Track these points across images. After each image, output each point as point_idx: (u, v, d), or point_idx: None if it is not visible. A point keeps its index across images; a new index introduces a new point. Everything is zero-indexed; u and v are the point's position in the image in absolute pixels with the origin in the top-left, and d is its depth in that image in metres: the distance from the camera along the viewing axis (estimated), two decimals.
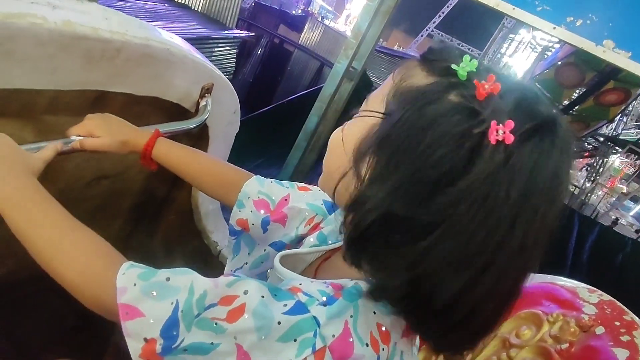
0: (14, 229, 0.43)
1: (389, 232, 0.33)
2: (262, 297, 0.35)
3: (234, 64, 4.68)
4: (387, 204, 0.33)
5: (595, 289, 0.57)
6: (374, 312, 0.37)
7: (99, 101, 0.69)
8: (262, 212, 0.57)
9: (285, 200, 0.58)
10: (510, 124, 0.31)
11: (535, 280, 0.66)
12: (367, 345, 0.35)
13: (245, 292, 0.35)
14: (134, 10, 3.70)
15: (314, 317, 0.35)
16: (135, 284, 0.36)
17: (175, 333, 0.34)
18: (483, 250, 0.31)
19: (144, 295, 0.36)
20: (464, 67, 0.35)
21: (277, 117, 3.26)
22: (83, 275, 0.40)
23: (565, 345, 0.49)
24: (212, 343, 0.34)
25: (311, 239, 0.53)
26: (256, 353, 0.34)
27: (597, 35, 1.18)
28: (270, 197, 0.58)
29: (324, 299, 0.36)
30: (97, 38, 0.51)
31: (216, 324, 0.34)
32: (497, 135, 0.31)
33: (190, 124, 0.75)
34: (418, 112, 0.34)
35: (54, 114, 0.68)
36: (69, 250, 0.42)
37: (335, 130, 0.42)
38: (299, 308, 0.35)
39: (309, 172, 1.88)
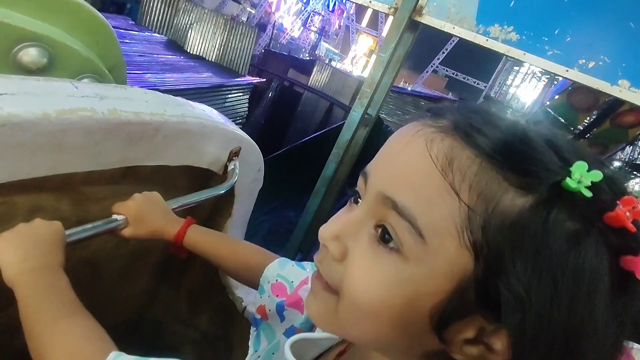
0: (21, 311, 0.44)
1: None
2: None
3: (246, 109, 4.83)
4: None
5: None
6: None
7: (130, 169, 0.72)
8: (277, 296, 0.52)
9: (305, 282, 0.52)
10: None
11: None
12: None
13: None
14: (152, 64, 3.89)
15: None
16: None
17: None
18: None
19: None
20: (583, 180, 0.24)
21: (291, 159, 3.31)
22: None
23: None
24: None
25: None
26: None
27: (611, 76, 1.19)
28: (289, 280, 0.53)
29: None
30: (139, 122, 0.54)
31: None
32: None
33: (221, 189, 0.76)
34: (552, 266, 0.24)
35: (89, 184, 0.70)
36: (61, 334, 0.41)
37: (358, 280, 0.28)
38: None
39: (328, 217, 1.88)
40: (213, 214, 1.05)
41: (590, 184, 0.24)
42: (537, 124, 0.28)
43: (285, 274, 0.54)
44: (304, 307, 0.36)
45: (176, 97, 0.63)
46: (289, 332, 0.50)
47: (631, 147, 6.29)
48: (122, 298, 1.09)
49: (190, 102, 0.68)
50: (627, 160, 6.39)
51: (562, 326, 0.24)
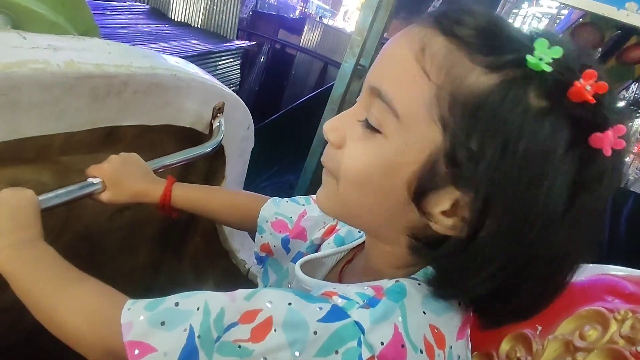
0: (15, 288, 0.41)
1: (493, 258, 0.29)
2: (290, 304, 0.30)
3: (239, 75, 4.69)
4: (499, 247, 0.28)
5: None
6: (424, 312, 0.32)
7: (111, 135, 0.68)
8: (280, 232, 0.55)
9: (302, 215, 0.56)
10: (622, 129, 0.26)
11: (587, 272, 0.62)
12: (421, 351, 0.30)
13: (270, 302, 0.30)
14: (137, 35, 3.74)
15: (356, 322, 0.29)
16: (141, 317, 0.32)
17: None
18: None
19: (152, 327, 0.31)
20: (545, 57, 0.26)
21: (287, 123, 3.24)
22: (89, 322, 0.37)
23: None
24: None
25: (328, 243, 0.50)
26: None
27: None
28: (287, 216, 0.56)
29: (364, 301, 0.31)
30: (102, 74, 0.49)
31: (240, 346, 0.29)
32: (612, 144, 0.26)
33: (207, 147, 0.73)
34: (510, 138, 0.26)
35: (69, 154, 0.67)
36: (72, 299, 0.39)
37: (349, 159, 0.33)
38: (337, 313, 0.30)
39: None
40: (207, 179, 1.03)
41: (551, 61, 0.26)
42: None
43: (282, 210, 0.57)
44: (316, 197, 0.39)
45: (143, 49, 0.58)
46: (296, 259, 0.51)
47: (636, 84, 6.10)
48: (126, 272, 1.08)
49: (161, 54, 0.63)
50: (632, 98, 6.24)
51: (515, 185, 0.26)
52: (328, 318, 0.29)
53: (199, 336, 0.30)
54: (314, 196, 0.58)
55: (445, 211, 0.30)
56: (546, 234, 0.27)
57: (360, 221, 0.37)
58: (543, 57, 0.26)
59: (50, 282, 0.41)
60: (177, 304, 0.32)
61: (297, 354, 0.28)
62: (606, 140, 0.26)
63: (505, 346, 0.61)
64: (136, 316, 0.32)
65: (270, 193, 0.63)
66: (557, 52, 0.26)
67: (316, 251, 0.51)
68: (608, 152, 0.26)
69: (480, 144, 0.27)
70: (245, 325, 0.30)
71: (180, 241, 1.18)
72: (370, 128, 0.32)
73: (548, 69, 0.26)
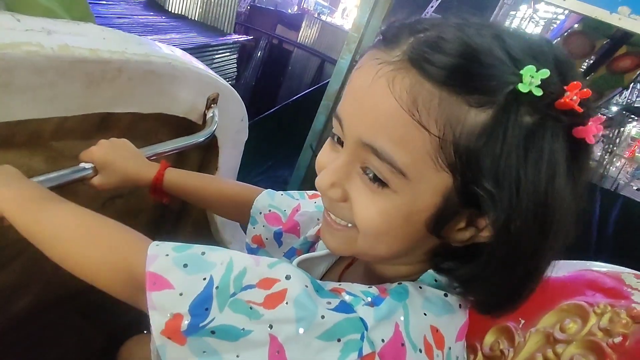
0: (24, 229, 0.41)
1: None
2: (306, 286, 0.31)
3: (235, 69, 4.67)
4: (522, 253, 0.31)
5: None
6: (425, 314, 0.33)
7: (104, 122, 0.68)
8: (273, 225, 0.56)
9: (296, 210, 0.56)
10: (600, 118, 0.29)
11: (570, 268, 0.63)
12: (420, 351, 0.32)
13: (288, 277, 0.31)
14: (133, 26, 3.71)
15: (361, 319, 0.31)
16: (167, 254, 0.33)
17: (206, 309, 0.30)
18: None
19: (175, 265, 0.32)
20: (534, 80, 0.27)
21: (282, 118, 3.24)
22: (116, 248, 0.38)
23: (618, 339, 0.46)
24: (243, 329, 0.30)
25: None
26: (292, 347, 0.29)
27: (610, 3, 1.13)
28: (281, 210, 0.56)
29: (369, 299, 0.32)
30: (96, 60, 0.49)
31: (251, 307, 0.30)
32: (593, 132, 0.28)
33: (199, 137, 0.73)
34: (521, 162, 0.28)
35: (61, 139, 0.67)
36: (99, 230, 0.40)
37: (363, 214, 0.33)
38: (344, 307, 0.31)
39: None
40: (200, 170, 1.03)
41: (540, 83, 0.27)
42: (483, 29, 0.29)
43: (276, 203, 0.57)
44: (322, 239, 0.39)
45: (139, 36, 0.58)
46: (289, 254, 0.52)
47: (628, 91, 6.17)
48: None
49: (156, 42, 0.63)
50: (624, 103, 6.30)
51: (533, 204, 0.28)
52: (336, 309, 0.31)
53: (217, 287, 0.31)
54: (309, 192, 0.59)
55: (461, 228, 0.33)
56: (559, 228, 0.30)
57: (378, 257, 0.38)
58: (532, 82, 0.27)
59: (69, 217, 0.42)
60: (203, 253, 0.33)
61: (301, 330, 0.29)
62: (589, 131, 0.28)
63: (489, 338, 0.62)
64: (163, 252, 0.33)
65: (264, 187, 0.63)
66: (545, 74, 0.27)
67: (310, 248, 0.52)
68: (592, 140, 0.28)
69: (494, 175, 0.28)
70: (261, 290, 0.31)
71: (172, 231, 1.18)
72: (377, 181, 0.32)
73: (539, 92, 0.27)
